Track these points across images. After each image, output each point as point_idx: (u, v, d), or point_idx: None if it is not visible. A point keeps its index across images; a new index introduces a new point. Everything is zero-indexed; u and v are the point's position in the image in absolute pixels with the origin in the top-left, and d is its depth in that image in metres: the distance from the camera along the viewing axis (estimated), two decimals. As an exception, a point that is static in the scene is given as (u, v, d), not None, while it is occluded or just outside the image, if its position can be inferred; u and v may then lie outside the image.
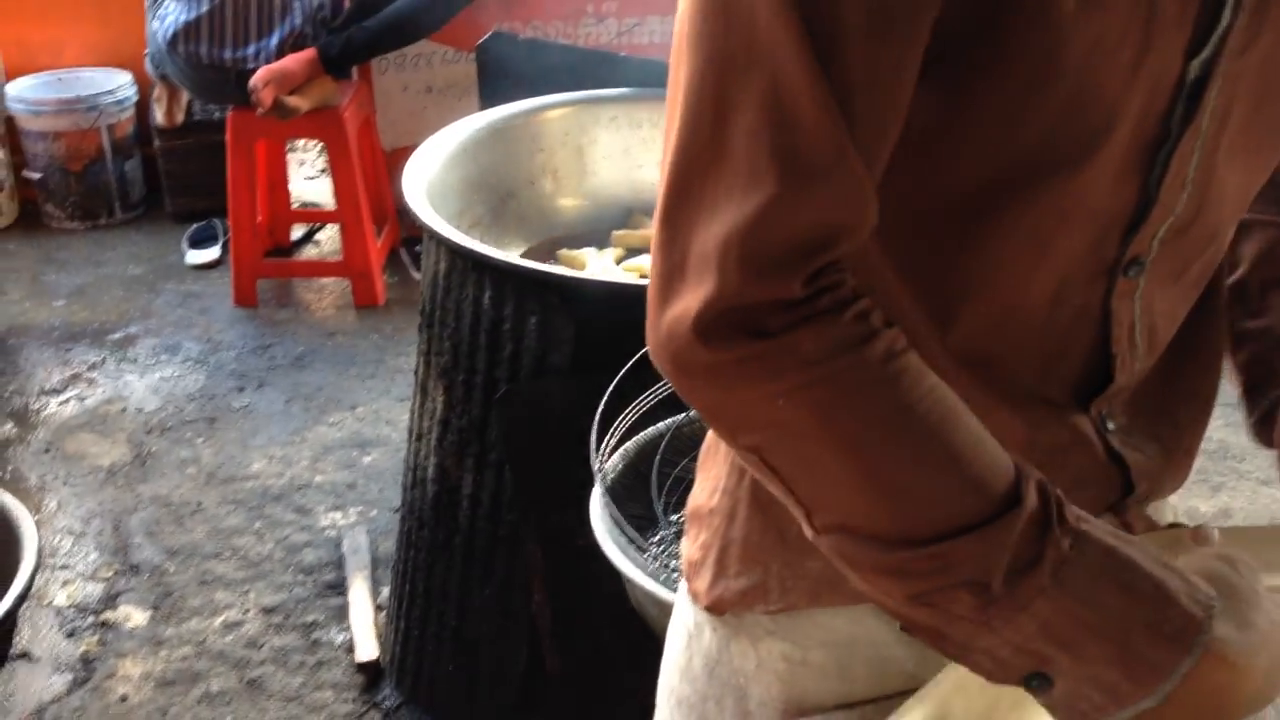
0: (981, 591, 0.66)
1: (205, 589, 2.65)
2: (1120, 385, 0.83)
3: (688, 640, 0.93)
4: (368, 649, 2.42)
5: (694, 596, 0.90)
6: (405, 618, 2.32)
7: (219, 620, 2.56)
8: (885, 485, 0.68)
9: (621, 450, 1.69)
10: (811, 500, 0.71)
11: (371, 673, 2.39)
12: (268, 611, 2.58)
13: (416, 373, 2.19)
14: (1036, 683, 0.68)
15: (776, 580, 0.85)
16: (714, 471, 0.90)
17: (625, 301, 1.90)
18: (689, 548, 0.92)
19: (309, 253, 4.25)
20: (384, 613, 2.52)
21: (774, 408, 0.68)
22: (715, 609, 0.89)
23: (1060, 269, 0.77)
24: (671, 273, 0.70)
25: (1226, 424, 2.01)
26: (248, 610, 2.59)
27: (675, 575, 1.46)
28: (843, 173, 0.66)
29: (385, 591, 2.57)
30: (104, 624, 2.54)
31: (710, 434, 0.92)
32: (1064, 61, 0.67)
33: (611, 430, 1.64)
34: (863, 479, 0.68)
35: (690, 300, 0.68)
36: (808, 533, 0.73)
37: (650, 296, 0.72)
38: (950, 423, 0.68)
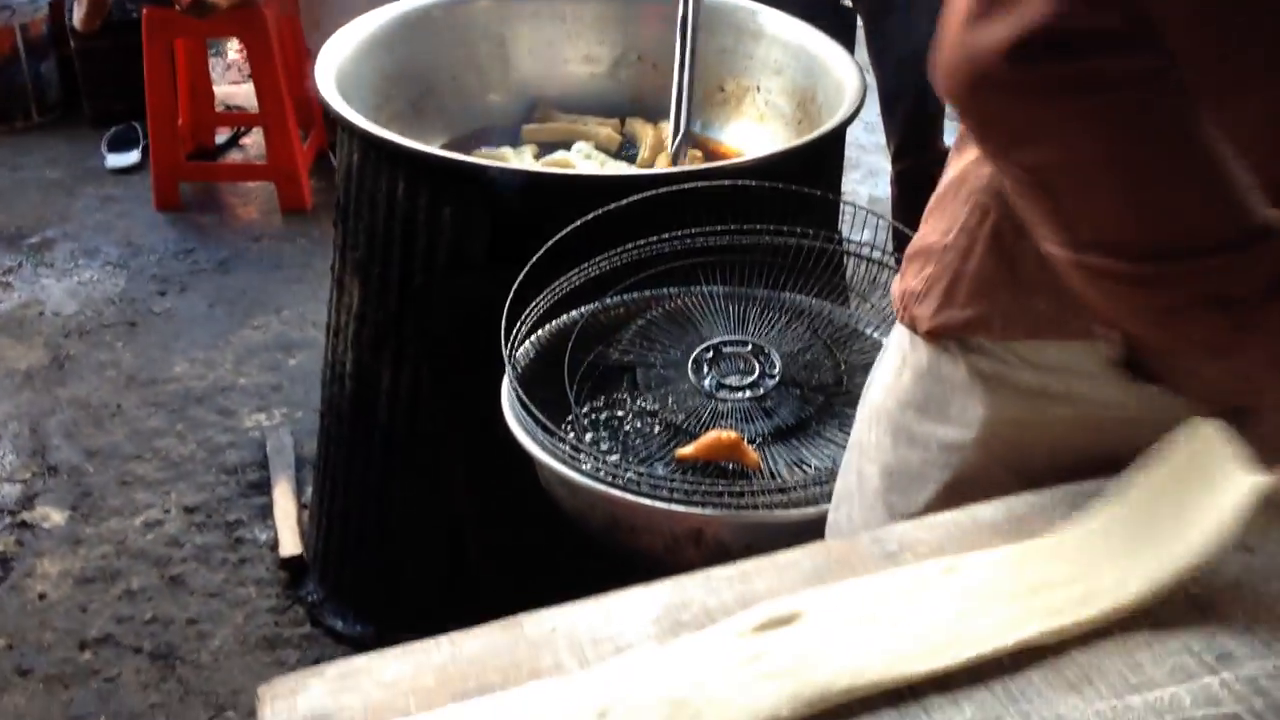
0: (1227, 309, 0.72)
1: (125, 489, 2.63)
2: None
3: (901, 361, 1.02)
4: (291, 545, 2.42)
5: (913, 322, 0.99)
6: (327, 514, 2.32)
7: (139, 520, 2.54)
8: (1154, 200, 0.73)
9: (534, 338, 1.69)
10: (1077, 215, 0.76)
11: (295, 569, 2.40)
12: (189, 511, 2.57)
13: (333, 268, 2.17)
14: (1241, 416, 0.73)
15: (1001, 314, 0.93)
16: (951, 212, 0.97)
17: (541, 191, 1.88)
18: (909, 281, 1.00)
19: (234, 157, 4.16)
20: (308, 511, 2.51)
21: (1065, 125, 0.73)
22: (935, 334, 0.97)
23: None
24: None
25: None
26: (169, 510, 2.57)
27: (585, 457, 1.47)
28: None
29: (310, 491, 2.57)
30: (21, 524, 2.52)
31: (950, 179, 0.99)
32: None
33: (523, 318, 1.64)
34: (1134, 193, 0.73)
35: (1011, 21, 0.71)
36: (1058, 253, 0.79)
37: (959, 17, 0.75)
38: (1221, 155, 0.73)
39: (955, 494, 0.97)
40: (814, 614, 0.79)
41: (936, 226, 1.00)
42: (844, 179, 2.40)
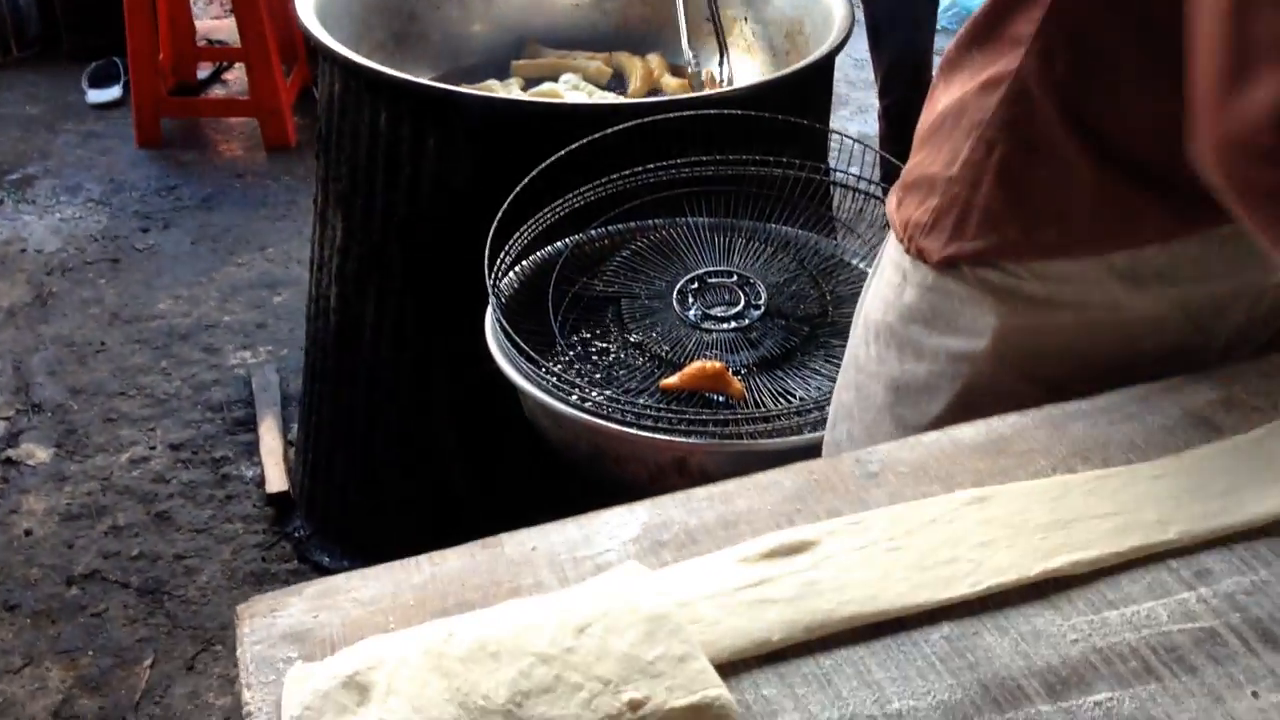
0: None
1: (110, 426, 2.62)
2: None
3: (901, 278, 1.02)
4: (277, 482, 2.42)
5: (920, 253, 0.99)
6: (313, 449, 2.32)
7: (125, 456, 2.54)
8: None
9: (518, 270, 1.68)
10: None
11: (281, 505, 2.40)
12: (175, 448, 2.57)
13: (315, 201, 2.15)
14: None
15: (1011, 244, 0.94)
16: (952, 144, 0.97)
17: (525, 121, 1.86)
18: (911, 211, 1.00)
19: (216, 92, 4.11)
20: (294, 448, 2.51)
21: None
22: (945, 264, 0.97)
23: None
24: (1244, 61, 0.70)
25: None
26: (154, 447, 2.57)
27: (569, 387, 1.46)
28: None
29: (296, 428, 2.56)
30: (6, 461, 2.51)
31: (945, 108, 0.98)
32: None
33: (506, 249, 1.62)
34: None
35: (1272, 84, 0.68)
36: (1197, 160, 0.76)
37: (1208, 90, 0.72)
38: None
39: (967, 403, 0.98)
40: (828, 543, 0.79)
41: (936, 157, 0.99)
42: (833, 116, 2.38)
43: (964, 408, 0.97)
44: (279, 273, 3.15)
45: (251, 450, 2.56)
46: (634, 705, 0.66)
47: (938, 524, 0.80)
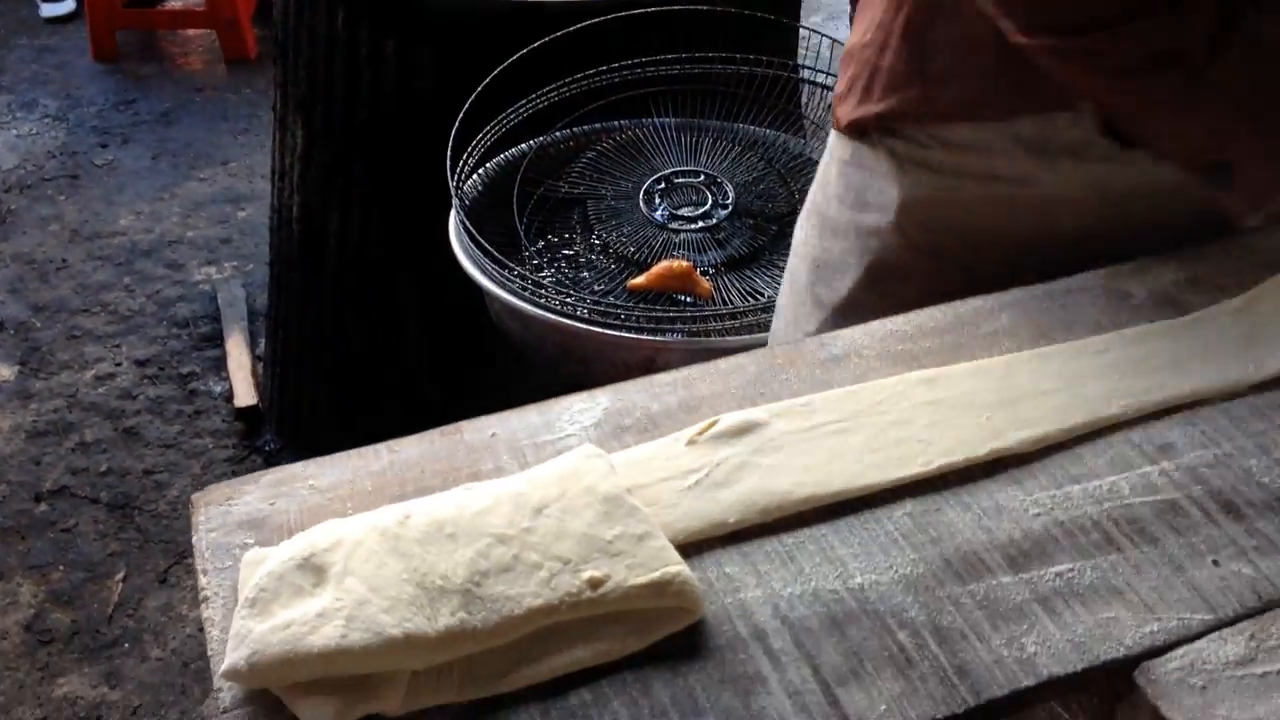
0: (1178, 64, 0.72)
1: (74, 344, 2.58)
2: None
3: (829, 157, 1.03)
4: (246, 396, 2.40)
5: (836, 122, 1.00)
6: (281, 362, 2.30)
7: (90, 373, 2.51)
8: None
9: (481, 173, 1.65)
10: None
11: (251, 419, 2.38)
12: (141, 364, 2.54)
13: (274, 107, 2.10)
14: (1217, 175, 0.75)
15: (914, 106, 0.94)
16: (869, 13, 0.97)
17: (487, 19, 1.82)
18: (838, 85, 1.02)
19: (173, 4, 4.00)
20: (262, 363, 2.49)
21: None
22: (853, 129, 0.98)
23: None
24: None
25: None
26: (120, 363, 2.54)
27: (535, 288, 1.45)
28: None
29: (264, 343, 2.54)
30: (-31, 379, 2.48)
31: None
32: None
33: (469, 151, 1.59)
34: None
35: None
36: (1024, 41, 0.80)
37: None
38: None
39: (873, 280, 0.98)
40: (776, 424, 0.78)
41: (859, 29, 0.99)
42: (807, 21, 2.34)
43: (871, 285, 0.98)
44: (242, 187, 3.10)
45: (219, 365, 2.54)
46: (594, 583, 0.65)
47: (885, 405, 0.79)
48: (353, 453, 0.79)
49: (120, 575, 2.11)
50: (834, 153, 1.03)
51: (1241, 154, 0.77)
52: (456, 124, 1.57)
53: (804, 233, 1.07)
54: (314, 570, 0.65)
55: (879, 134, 0.97)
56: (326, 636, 0.61)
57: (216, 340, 2.61)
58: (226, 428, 2.40)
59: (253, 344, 2.57)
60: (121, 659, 1.95)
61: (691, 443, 0.76)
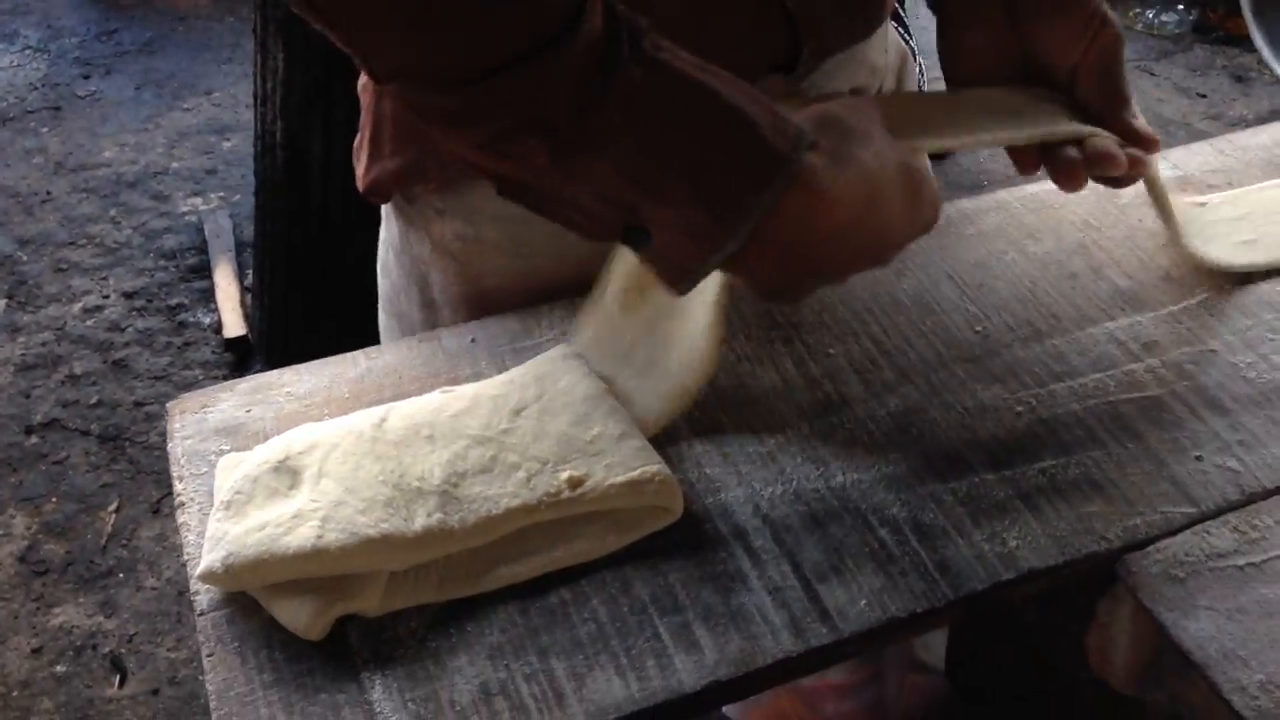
0: (549, 132, 0.58)
1: (61, 276, 2.57)
2: None
3: (383, 235, 0.93)
4: (235, 326, 2.39)
5: (358, 183, 0.87)
6: (269, 292, 2.28)
7: (78, 306, 2.49)
8: (436, 12, 0.57)
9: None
10: (365, 44, 0.60)
11: (240, 350, 2.37)
12: (129, 296, 2.52)
13: (255, 30, 2.06)
14: (636, 237, 0.61)
15: (432, 156, 0.81)
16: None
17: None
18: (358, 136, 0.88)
19: (152, -67, 3.93)
20: (251, 293, 2.47)
21: None
22: (374, 193, 0.86)
23: None
24: None
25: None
26: (108, 295, 2.52)
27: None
28: None
29: (252, 274, 2.52)
30: (-44, 313, 2.47)
31: None
32: None
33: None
34: (412, 6, 0.57)
35: None
36: (375, 85, 0.68)
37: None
38: None
39: None
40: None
41: None
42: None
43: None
44: (227, 117, 3.06)
45: (207, 297, 2.52)
46: (574, 483, 0.65)
47: None
48: (330, 360, 0.78)
49: (113, 506, 2.11)
50: (386, 235, 0.95)
51: (650, 219, 0.60)
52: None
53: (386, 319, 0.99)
54: (289, 473, 0.64)
55: (423, 220, 0.87)
56: (302, 537, 0.61)
57: (204, 271, 2.59)
58: (216, 359, 2.39)
59: (241, 275, 2.55)
60: (116, 589, 1.96)
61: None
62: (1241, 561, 0.63)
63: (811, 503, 0.67)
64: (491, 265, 0.84)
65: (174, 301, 2.52)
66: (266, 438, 0.70)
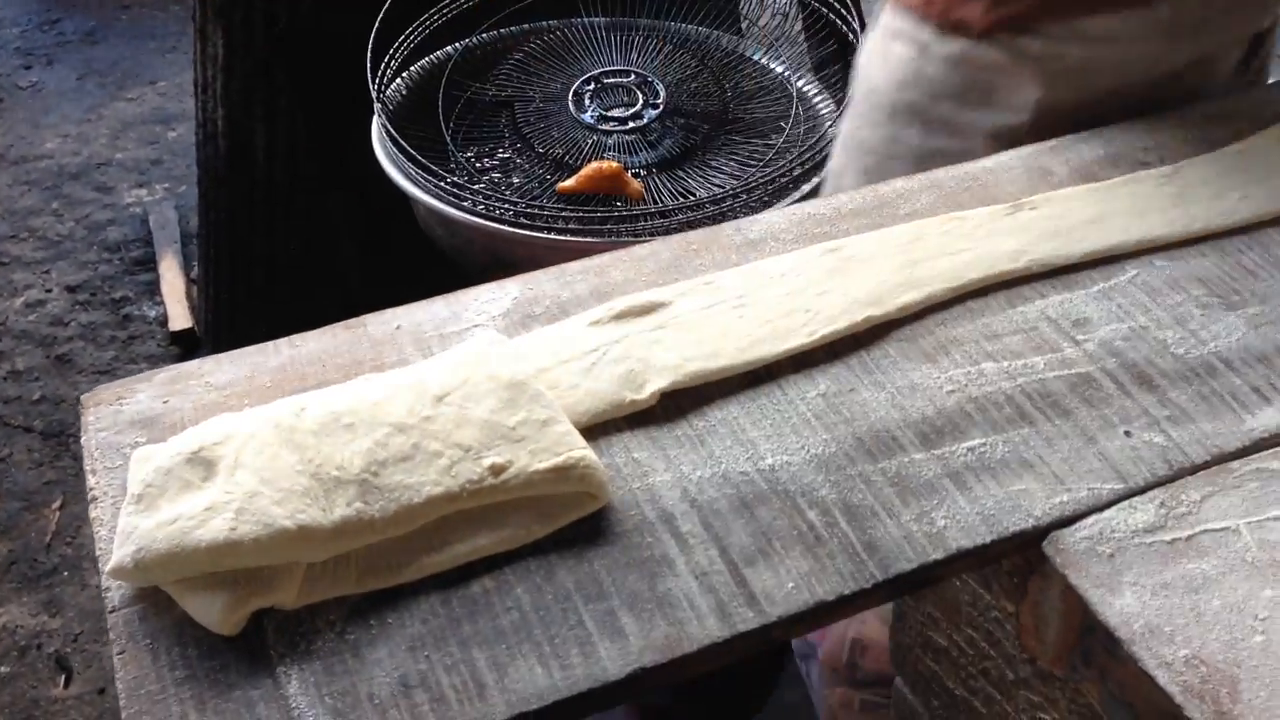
0: None
1: (3, 270, 2.51)
2: None
3: (918, 53, 0.98)
4: (181, 319, 2.35)
5: (956, 25, 0.96)
6: (215, 283, 2.25)
7: (19, 300, 2.44)
8: None
9: (405, 76, 1.60)
10: None
11: (186, 343, 2.34)
12: (72, 290, 2.48)
13: (194, 16, 2.02)
14: None
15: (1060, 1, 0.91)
16: None
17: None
18: None
19: (94, -80, 3.85)
20: (197, 286, 2.43)
21: None
22: (987, 32, 0.94)
23: None
24: None
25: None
26: (50, 289, 2.48)
27: (461, 192, 1.41)
28: None
29: (198, 266, 2.48)
30: (-106, 309, 2.41)
31: None
32: None
33: (391, 54, 1.54)
34: None
35: None
36: None
37: None
38: None
39: None
40: (679, 303, 0.76)
41: None
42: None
43: None
44: (172, 107, 3.01)
45: (153, 289, 2.48)
46: (496, 470, 0.64)
47: (786, 278, 0.78)
48: (251, 349, 0.76)
49: (57, 504, 2.07)
50: (930, 50, 0.99)
51: None
52: (376, 26, 1.52)
53: (888, 130, 1.02)
54: (203, 464, 0.63)
55: (1009, 33, 0.94)
56: (215, 530, 0.59)
57: (149, 264, 2.54)
58: (162, 352, 2.36)
59: (187, 267, 2.52)
60: (61, 587, 1.93)
61: (595, 324, 0.74)
62: (1168, 537, 0.63)
63: (740, 485, 0.67)
64: (1066, 81, 0.95)
65: (118, 295, 2.48)
66: (184, 429, 0.68)
